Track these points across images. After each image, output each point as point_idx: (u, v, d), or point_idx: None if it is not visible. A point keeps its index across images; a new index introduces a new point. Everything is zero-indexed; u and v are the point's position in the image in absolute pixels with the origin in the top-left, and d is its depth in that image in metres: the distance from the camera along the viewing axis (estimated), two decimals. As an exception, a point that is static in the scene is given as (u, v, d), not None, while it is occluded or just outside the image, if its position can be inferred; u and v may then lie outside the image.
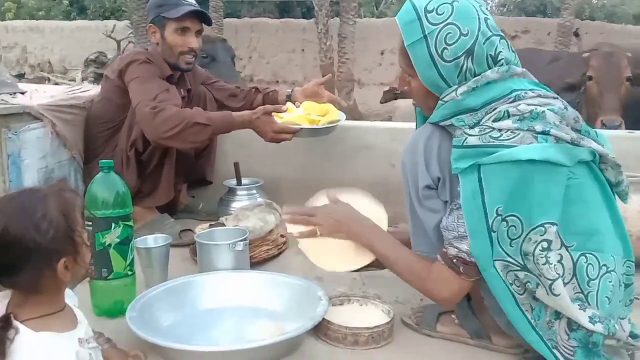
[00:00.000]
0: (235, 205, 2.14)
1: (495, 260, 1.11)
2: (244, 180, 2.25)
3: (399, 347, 1.32)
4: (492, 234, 1.10)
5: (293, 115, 2.05)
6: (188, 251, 1.87)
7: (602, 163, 1.18)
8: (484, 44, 1.14)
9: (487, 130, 1.11)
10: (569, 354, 1.12)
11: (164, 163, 2.11)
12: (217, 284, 1.51)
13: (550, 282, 1.08)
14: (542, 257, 1.08)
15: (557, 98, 1.19)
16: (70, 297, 1.11)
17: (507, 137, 1.09)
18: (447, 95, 1.18)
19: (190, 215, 2.34)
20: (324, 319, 1.31)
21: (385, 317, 1.36)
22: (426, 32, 1.15)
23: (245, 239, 1.63)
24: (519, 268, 1.10)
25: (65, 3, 14.43)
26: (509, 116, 1.11)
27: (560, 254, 1.10)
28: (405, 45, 1.19)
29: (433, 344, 1.34)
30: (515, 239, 1.08)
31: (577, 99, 3.02)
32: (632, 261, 1.20)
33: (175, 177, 2.18)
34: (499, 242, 1.10)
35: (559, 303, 1.09)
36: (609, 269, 1.13)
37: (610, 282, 1.13)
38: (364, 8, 13.49)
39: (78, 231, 0.96)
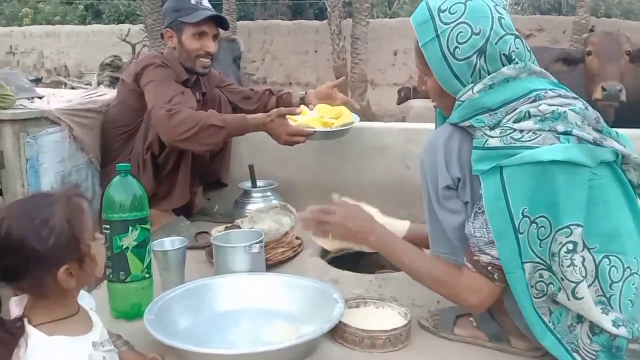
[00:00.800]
0: (251, 207, 2.14)
1: (525, 262, 1.10)
2: (259, 183, 2.25)
3: (416, 351, 1.31)
4: (520, 235, 1.08)
5: (307, 118, 2.05)
6: (204, 254, 1.88)
7: (624, 164, 1.17)
8: (496, 43, 1.14)
9: (509, 132, 1.10)
10: (591, 358, 1.10)
11: (179, 166, 2.12)
12: (234, 287, 1.51)
13: (573, 285, 1.07)
14: (567, 259, 1.07)
15: (577, 98, 1.17)
16: (87, 299, 1.12)
17: (529, 138, 1.08)
18: (463, 94, 1.17)
19: (206, 217, 2.35)
20: (340, 321, 1.30)
21: (402, 320, 1.35)
22: (439, 32, 1.15)
23: (261, 241, 1.63)
24: (545, 268, 1.09)
25: (80, 8, 14.62)
26: (530, 117, 1.10)
27: (582, 256, 1.08)
28: (420, 45, 1.19)
29: (451, 347, 1.33)
30: (544, 239, 1.08)
31: (576, 76, 3.01)
32: None
33: (191, 180, 2.19)
34: (529, 244, 1.08)
35: (582, 307, 1.08)
36: (633, 272, 1.11)
37: (633, 284, 1.11)
38: (377, 9, 13.48)
39: (84, 238, 0.96)
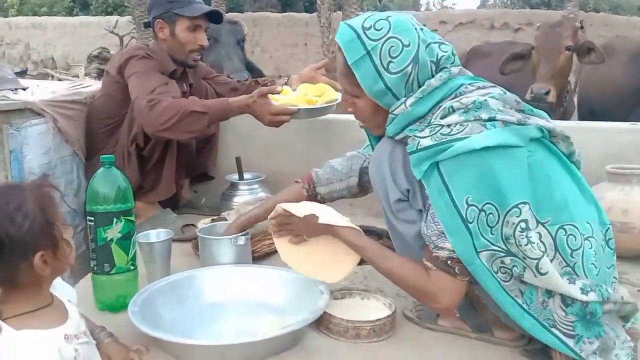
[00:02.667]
0: (238, 199, 2.14)
1: (480, 251, 1.11)
2: (246, 175, 2.25)
3: (401, 341, 1.32)
4: (470, 225, 1.10)
5: (290, 97, 2.02)
6: (190, 246, 1.87)
7: (553, 137, 1.20)
8: (425, 51, 1.19)
9: (437, 129, 1.15)
10: (569, 329, 1.12)
11: (165, 158, 2.11)
12: (219, 279, 1.51)
13: (535, 261, 1.09)
14: (523, 238, 1.09)
15: (495, 86, 1.22)
16: (68, 291, 1.11)
17: (458, 131, 1.12)
18: (396, 108, 1.20)
19: (193, 210, 2.34)
20: (325, 312, 1.31)
21: (387, 311, 1.36)
22: (369, 48, 1.18)
23: (247, 234, 1.63)
24: (504, 254, 1.11)
25: (67, -1, 14.44)
26: (454, 111, 1.15)
27: (539, 232, 1.11)
28: (349, 63, 1.21)
29: (434, 337, 1.34)
30: (494, 225, 1.10)
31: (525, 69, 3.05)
32: (610, 225, 1.22)
33: (177, 172, 2.18)
34: (480, 233, 1.10)
35: (549, 281, 1.10)
36: (587, 236, 1.14)
37: (591, 249, 1.14)
38: (367, 1, 13.44)
39: (57, 225, 0.95)
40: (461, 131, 1.11)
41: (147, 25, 2.21)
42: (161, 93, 1.91)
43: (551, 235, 1.12)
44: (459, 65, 1.24)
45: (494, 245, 1.11)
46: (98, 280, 1.45)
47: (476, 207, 1.09)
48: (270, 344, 1.21)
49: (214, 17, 2.16)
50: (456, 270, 1.16)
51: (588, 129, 2.11)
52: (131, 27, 8.66)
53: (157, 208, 2.16)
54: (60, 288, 1.07)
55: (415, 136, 1.17)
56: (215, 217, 1.91)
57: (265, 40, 10.29)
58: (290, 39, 10.27)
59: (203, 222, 1.87)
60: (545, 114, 1.23)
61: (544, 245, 1.11)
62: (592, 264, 1.14)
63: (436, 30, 8.48)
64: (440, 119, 1.15)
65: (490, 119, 1.12)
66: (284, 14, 10.74)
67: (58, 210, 0.97)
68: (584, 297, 1.10)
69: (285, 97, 2.01)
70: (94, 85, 2.38)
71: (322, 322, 1.33)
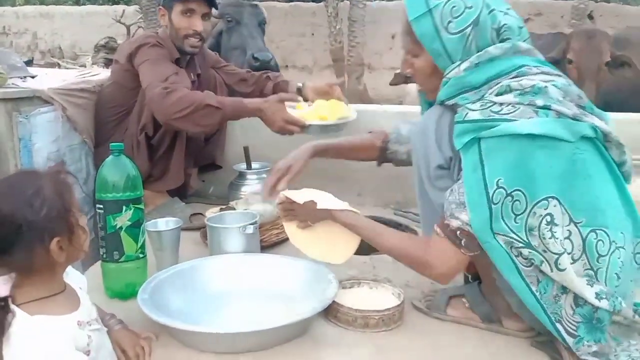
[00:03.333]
0: (246, 189, 2.14)
1: (497, 234, 1.11)
2: (254, 165, 2.24)
3: (409, 330, 1.32)
4: (493, 206, 1.09)
5: (302, 112, 2.01)
6: (199, 235, 1.88)
7: (607, 142, 1.17)
8: (488, 15, 1.16)
9: (488, 105, 1.12)
10: (572, 328, 1.12)
11: (174, 147, 2.11)
12: (228, 267, 1.52)
13: (556, 256, 1.08)
14: (547, 231, 1.08)
15: (562, 75, 1.18)
16: (79, 278, 1.11)
17: (508, 112, 1.10)
18: (450, 71, 1.19)
19: (201, 199, 2.35)
20: (334, 301, 1.31)
21: (396, 300, 1.36)
22: (431, 6, 1.17)
23: (255, 223, 1.63)
24: (523, 245, 1.10)
25: (74, -12, 14.40)
26: (510, 90, 1.12)
27: (569, 230, 1.09)
28: (410, 20, 1.20)
29: (443, 327, 1.34)
30: (520, 214, 1.08)
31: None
32: None
33: (185, 162, 2.18)
34: (502, 217, 1.09)
35: (565, 278, 1.09)
36: (618, 246, 1.12)
37: (619, 258, 1.12)
38: (375, -9, 13.31)
39: (73, 212, 0.96)
40: (511, 112, 1.09)
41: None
42: (174, 82, 1.90)
43: (581, 236, 1.10)
44: (526, 42, 1.20)
45: (515, 234, 1.10)
46: (107, 267, 1.46)
47: (505, 190, 1.08)
48: (278, 333, 1.21)
49: (211, 2, 2.13)
50: (462, 242, 1.16)
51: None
52: (138, 16, 8.63)
53: (165, 197, 2.16)
54: (71, 275, 1.07)
55: (466, 107, 1.15)
56: (223, 207, 1.91)
57: (272, 30, 10.20)
58: (297, 29, 10.21)
59: (211, 211, 1.88)
60: (607, 116, 1.19)
61: (572, 245, 1.09)
62: (616, 273, 1.12)
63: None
64: (495, 95, 1.13)
65: (545, 107, 1.09)
66: (290, 3, 10.67)
67: (74, 196, 0.98)
68: (596, 302, 1.09)
69: (299, 111, 2.00)
70: (103, 74, 2.38)
71: (330, 311, 1.33)
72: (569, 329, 1.12)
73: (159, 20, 2.16)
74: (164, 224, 1.65)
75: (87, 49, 9.87)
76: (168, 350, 1.21)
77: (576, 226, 1.10)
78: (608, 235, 1.11)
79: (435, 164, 1.24)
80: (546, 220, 1.08)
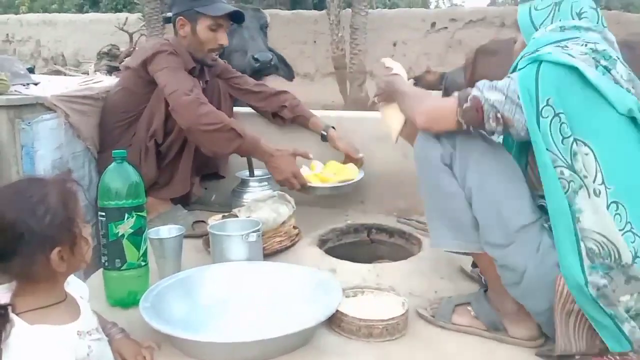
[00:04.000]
0: (248, 196, 2.13)
1: (547, 149, 1.14)
2: (257, 172, 2.23)
3: (414, 340, 1.31)
4: (541, 119, 1.14)
5: (309, 173, 2.06)
6: (201, 242, 1.87)
7: None
8: (570, 1, 1.26)
9: (562, 46, 1.18)
10: (593, 253, 1.12)
11: (182, 155, 2.12)
12: (230, 275, 1.51)
13: (594, 184, 1.11)
14: (588, 161, 1.12)
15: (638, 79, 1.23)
16: (80, 287, 1.10)
17: (575, 53, 1.15)
18: (538, 32, 1.28)
19: (203, 206, 2.33)
20: (337, 310, 1.30)
21: (400, 310, 1.35)
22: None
23: (258, 230, 1.62)
24: (565, 166, 1.13)
25: (78, -4, 14.48)
26: (585, 45, 1.18)
27: (599, 189, 1.12)
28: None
29: (448, 337, 1.32)
30: (567, 137, 1.13)
31: None
32: None
33: (191, 170, 2.18)
34: (551, 134, 1.14)
35: (599, 205, 1.11)
36: (633, 231, 1.11)
37: (632, 242, 1.11)
38: (376, -1, 13.38)
39: (77, 222, 0.95)
40: (574, 55, 1.14)
41: (168, 20, 2.20)
42: (199, 95, 1.93)
43: (606, 202, 1.12)
44: (603, 32, 1.25)
45: (561, 154, 1.13)
46: (109, 275, 1.45)
47: (553, 109, 1.13)
48: (281, 342, 1.20)
49: (236, 17, 2.16)
50: (464, 106, 1.20)
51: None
52: (141, 24, 8.66)
53: (168, 204, 2.15)
54: (72, 284, 1.06)
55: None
56: (226, 214, 1.90)
57: (274, 38, 10.22)
58: (300, 37, 10.24)
59: (214, 219, 1.86)
60: None
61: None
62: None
63: (446, 27, 8.44)
64: (572, 45, 1.18)
65: (606, 67, 1.16)
66: (293, 11, 10.71)
67: (79, 206, 0.97)
68: (626, 253, 1.09)
69: (306, 171, 2.04)
70: (106, 81, 2.38)
71: (334, 321, 1.32)
72: (590, 252, 1.12)
73: (175, 28, 2.13)
74: (167, 231, 1.64)
75: (90, 57, 9.89)
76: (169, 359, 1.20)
77: (606, 189, 1.12)
78: (627, 213, 1.12)
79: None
80: (585, 153, 1.12)
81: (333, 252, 1.85)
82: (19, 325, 0.88)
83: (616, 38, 1.28)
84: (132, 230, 1.42)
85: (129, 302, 1.43)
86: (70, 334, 0.94)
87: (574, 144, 1.13)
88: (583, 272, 1.11)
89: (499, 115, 1.18)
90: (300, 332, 1.21)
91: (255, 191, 2.15)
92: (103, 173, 1.45)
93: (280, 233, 1.82)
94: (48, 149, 1.92)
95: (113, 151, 1.45)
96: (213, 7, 2.07)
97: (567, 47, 1.17)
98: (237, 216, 1.82)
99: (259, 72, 3.29)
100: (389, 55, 10.11)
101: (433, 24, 8.32)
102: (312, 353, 1.24)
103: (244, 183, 2.21)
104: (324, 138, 2.25)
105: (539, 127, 1.14)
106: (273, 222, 1.79)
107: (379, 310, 1.35)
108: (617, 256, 1.10)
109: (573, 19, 1.25)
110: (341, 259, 1.75)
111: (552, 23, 1.26)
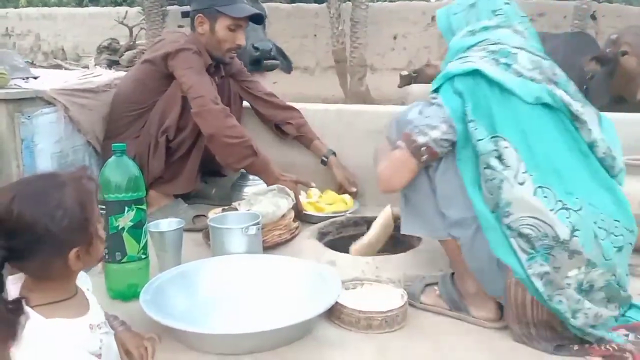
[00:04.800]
0: (248, 190, 2.14)
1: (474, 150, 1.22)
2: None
3: (413, 331, 1.31)
4: (469, 127, 1.22)
5: (305, 200, 2.10)
6: (201, 236, 1.87)
7: (574, 119, 1.23)
8: (486, 1, 1.33)
9: (462, 57, 1.27)
10: (525, 246, 1.17)
11: (191, 153, 2.13)
12: (230, 268, 1.51)
13: (514, 172, 1.17)
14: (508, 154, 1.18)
15: (547, 58, 1.28)
16: (84, 280, 1.11)
17: (472, 60, 1.24)
18: (453, 38, 1.35)
19: (204, 200, 2.34)
20: (337, 302, 1.30)
21: (399, 301, 1.35)
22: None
23: (257, 223, 1.63)
24: (485, 166, 1.21)
25: (77, -10, 14.42)
26: (484, 50, 1.26)
27: (524, 179, 1.16)
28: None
29: (446, 328, 1.33)
30: (481, 139, 1.20)
31: (595, 75, 3.00)
32: (628, 229, 1.21)
33: (197, 170, 2.20)
34: (474, 139, 1.22)
35: (525, 191, 1.16)
36: (566, 206, 1.15)
37: (567, 218, 1.14)
38: (377, -8, 13.32)
39: (93, 221, 0.95)
40: (474, 61, 1.22)
41: (186, 15, 2.19)
42: (225, 107, 1.98)
43: (533, 188, 1.16)
44: (512, 26, 1.32)
45: (481, 156, 1.21)
46: (110, 268, 1.45)
47: (470, 116, 1.21)
48: (281, 334, 1.21)
49: (256, 19, 2.17)
50: (423, 159, 1.26)
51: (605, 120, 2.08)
52: (140, 17, 8.63)
53: (168, 198, 2.16)
54: (79, 277, 1.07)
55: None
56: (226, 207, 1.91)
57: (274, 31, 10.16)
58: (300, 30, 10.19)
59: (214, 212, 1.87)
60: (580, 97, 1.27)
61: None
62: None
63: (447, 21, 8.42)
64: (470, 52, 1.28)
65: (506, 64, 1.22)
66: (293, 4, 10.66)
67: (95, 205, 0.97)
68: (562, 229, 1.12)
69: (303, 198, 2.10)
70: (105, 75, 2.38)
71: (333, 313, 1.32)
72: (523, 246, 1.16)
73: (193, 25, 2.12)
74: (167, 224, 1.65)
75: (89, 51, 9.86)
76: (170, 352, 1.21)
77: (530, 177, 1.16)
78: (554, 194, 1.16)
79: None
80: (495, 155, 1.18)
81: (333, 244, 1.86)
82: (34, 318, 0.88)
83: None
84: (132, 223, 1.43)
85: (130, 294, 1.43)
86: (83, 327, 0.95)
87: (492, 140, 1.19)
88: (522, 267, 1.17)
89: (446, 144, 1.26)
90: (300, 323, 1.22)
91: (255, 185, 2.16)
92: (103, 167, 1.45)
93: (280, 226, 1.83)
94: (48, 142, 1.93)
95: (113, 144, 1.46)
96: (234, 7, 2.07)
97: (467, 57, 1.25)
98: (237, 209, 1.82)
99: (258, 62, 3.30)
100: (390, 49, 10.13)
101: (433, 17, 8.28)
102: (312, 344, 1.25)
103: (244, 177, 2.22)
104: (324, 163, 2.27)
105: (467, 136, 1.23)
106: (273, 215, 1.80)
107: (378, 302, 1.35)
108: (554, 234, 1.13)
109: (488, 19, 1.31)
110: (341, 251, 1.75)
111: (466, 26, 1.33)
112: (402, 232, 1.43)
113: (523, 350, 1.22)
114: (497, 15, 1.31)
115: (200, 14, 2.09)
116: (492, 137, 1.19)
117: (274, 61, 3.22)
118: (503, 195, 1.17)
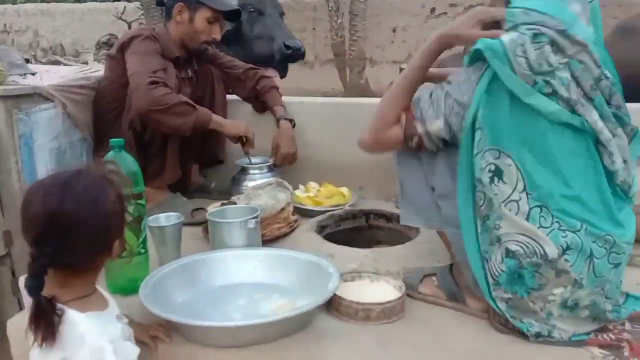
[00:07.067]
0: (248, 184, 2.14)
1: (474, 154, 1.16)
2: (256, 159, 2.24)
3: (411, 323, 1.32)
4: (475, 134, 1.16)
5: (303, 195, 2.11)
6: (201, 230, 1.88)
7: (599, 144, 1.16)
8: None
9: (518, 44, 1.11)
10: (495, 272, 1.18)
11: (166, 143, 2.12)
12: (229, 261, 1.52)
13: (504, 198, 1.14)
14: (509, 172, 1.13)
15: (591, 53, 1.14)
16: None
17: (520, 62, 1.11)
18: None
19: (203, 194, 2.34)
20: (335, 294, 1.31)
21: (397, 293, 1.36)
22: None
23: (256, 217, 1.63)
24: (479, 177, 1.16)
25: (75, -15, 14.37)
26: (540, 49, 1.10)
27: (519, 196, 1.13)
28: None
29: (444, 319, 1.34)
30: (481, 152, 1.14)
31: None
32: (630, 243, 1.18)
33: (184, 157, 2.18)
34: (475, 147, 1.15)
35: (519, 209, 1.13)
36: (563, 227, 1.12)
37: (564, 237, 1.12)
38: (376, -15, 13.24)
39: (125, 213, 0.99)
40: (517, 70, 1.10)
41: (161, 3, 2.18)
42: (162, 78, 1.91)
43: (528, 207, 1.13)
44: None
45: (478, 165, 1.15)
46: (110, 263, 1.45)
47: (479, 123, 1.14)
48: (280, 326, 1.22)
49: (233, 16, 2.17)
50: (410, 144, 1.24)
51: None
52: (139, 13, 8.62)
53: (166, 193, 2.16)
54: None
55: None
56: (225, 201, 1.91)
57: (274, 25, 10.17)
58: (299, 24, 10.14)
59: (213, 206, 1.88)
60: (613, 119, 1.17)
61: (517, 207, 1.13)
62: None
63: (446, 13, 8.38)
64: (528, 38, 1.11)
65: (544, 81, 1.09)
66: (292, -2, 10.61)
67: (124, 198, 1.00)
68: (551, 249, 1.11)
69: (301, 192, 2.11)
70: (102, 70, 2.38)
71: (332, 305, 1.33)
72: (493, 271, 1.18)
73: (170, 13, 2.12)
74: (166, 219, 1.65)
75: (88, 46, 9.85)
76: (170, 345, 1.21)
77: (527, 196, 1.13)
78: (551, 213, 1.12)
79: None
80: (489, 169, 1.13)
81: (332, 237, 1.87)
82: (72, 313, 0.89)
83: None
84: (131, 218, 1.42)
85: (129, 289, 1.44)
86: (112, 318, 0.98)
87: (494, 154, 1.13)
88: (489, 290, 1.20)
89: (438, 142, 1.23)
90: (299, 315, 1.22)
91: (255, 179, 2.16)
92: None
93: (279, 219, 1.83)
94: (46, 138, 1.93)
95: (111, 140, 1.46)
96: (217, 0, 2.06)
97: (524, 46, 1.09)
98: (236, 203, 1.83)
99: (288, 59, 3.34)
100: (389, 41, 10.09)
101: (433, 10, 8.25)
102: (311, 336, 1.26)
103: (243, 170, 2.22)
104: (278, 121, 2.29)
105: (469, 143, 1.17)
106: (272, 208, 1.80)
107: (376, 294, 1.36)
108: (542, 252, 1.12)
109: None
110: (340, 244, 1.76)
111: None
112: (401, 222, 1.43)
113: (519, 341, 1.23)
114: None
115: (181, 3, 2.09)
116: (496, 151, 1.13)
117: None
118: (495, 209, 1.14)
